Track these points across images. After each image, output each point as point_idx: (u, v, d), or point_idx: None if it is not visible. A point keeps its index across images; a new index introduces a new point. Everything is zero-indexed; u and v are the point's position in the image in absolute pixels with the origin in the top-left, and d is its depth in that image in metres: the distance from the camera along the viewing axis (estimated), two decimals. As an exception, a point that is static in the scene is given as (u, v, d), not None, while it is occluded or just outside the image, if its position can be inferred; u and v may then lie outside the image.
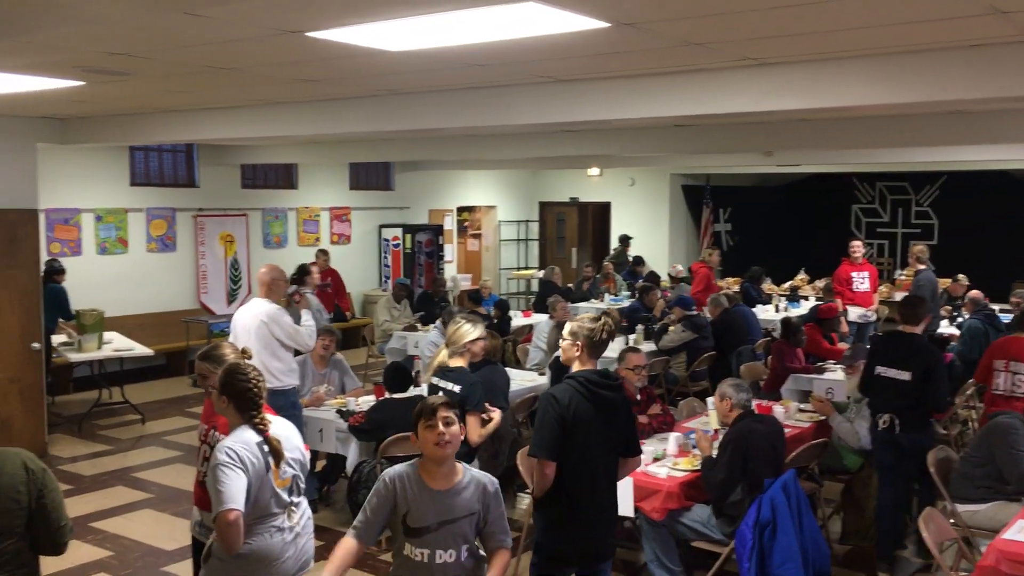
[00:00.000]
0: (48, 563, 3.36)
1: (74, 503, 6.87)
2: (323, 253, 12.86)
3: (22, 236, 8.06)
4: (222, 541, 3.35)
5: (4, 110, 7.81)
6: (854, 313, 10.66)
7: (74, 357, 9.25)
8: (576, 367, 4.01)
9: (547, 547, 3.99)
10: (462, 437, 3.42)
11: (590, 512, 3.96)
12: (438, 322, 8.64)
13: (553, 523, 3.96)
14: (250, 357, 3.89)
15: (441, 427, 3.27)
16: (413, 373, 6.82)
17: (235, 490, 3.32)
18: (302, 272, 8.33)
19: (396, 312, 11.20)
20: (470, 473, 3.40)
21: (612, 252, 15.98)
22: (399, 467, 3.39)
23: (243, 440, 3.46)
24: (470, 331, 5.27)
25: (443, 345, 5.29)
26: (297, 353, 6.56)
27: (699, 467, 5.16)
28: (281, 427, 3.70)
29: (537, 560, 4.05)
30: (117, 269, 11.41)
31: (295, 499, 3.65)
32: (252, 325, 6.23)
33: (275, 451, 3.51)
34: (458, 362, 5.22)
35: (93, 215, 11.17)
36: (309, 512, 3.77)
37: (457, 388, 5.05)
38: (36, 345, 8.16)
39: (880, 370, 5.75)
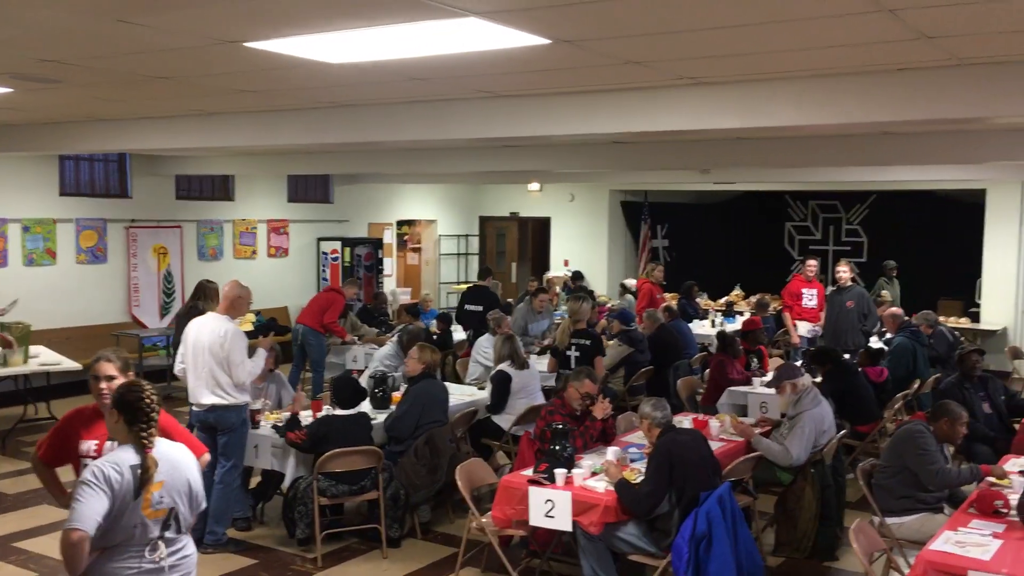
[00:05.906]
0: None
1: (-4, 523, 6.65)
2: None
3: (-56, 246, 7.81)
4: (64, 561, 3.25)
5: (-73, 116, 7.58)
6: (804, 328, 10.88)
7: (-2, 372, 8.94)
8: None
9: None
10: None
11: None
12: (395, 337, 8.95)
13: None
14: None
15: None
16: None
17: (89, 511, 3.22)
18: None
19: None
20: None
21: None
22: None
23: (116, 460, 3.33)
24: (583, 307, 7.94)
25: (568, 318, 8.05)
26: None
27: (637, 481, 5.19)
28: (175, 454, 3.52)
29: None
30: (44, 281, 11.09)
31: (169, 534, 3.44)
32: (208, 341, 6.04)
33: (146, 476, 3.32)
34: (581, 326, 7.88)
35: (20, 225, 10.85)
36: (189, 552, 3.56)
37: (589, 342, 7.65)
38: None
39: None
